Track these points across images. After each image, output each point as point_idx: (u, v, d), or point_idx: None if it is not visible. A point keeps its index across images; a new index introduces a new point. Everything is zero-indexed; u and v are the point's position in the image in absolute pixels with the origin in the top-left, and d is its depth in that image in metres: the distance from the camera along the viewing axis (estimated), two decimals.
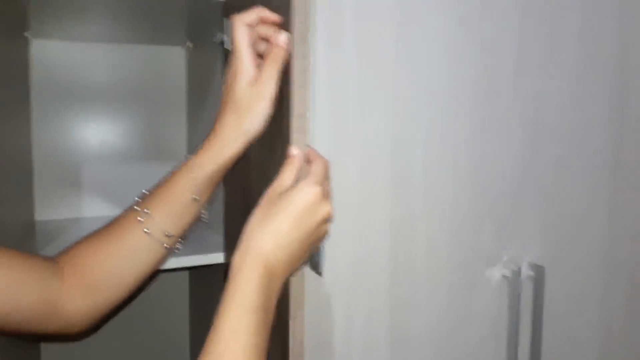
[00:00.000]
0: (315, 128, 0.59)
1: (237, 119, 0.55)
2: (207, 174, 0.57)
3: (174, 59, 1.21)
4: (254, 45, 0.56)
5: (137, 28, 1.02)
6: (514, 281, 0.82)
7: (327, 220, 0.52)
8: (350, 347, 0.69)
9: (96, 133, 1.16)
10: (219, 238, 0.86)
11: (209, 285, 0.99)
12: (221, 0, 0.72)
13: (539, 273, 0.84)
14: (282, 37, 0.53)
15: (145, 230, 0.55)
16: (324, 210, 0.51)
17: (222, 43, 0.71)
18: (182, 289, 1.24)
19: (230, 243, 0.77)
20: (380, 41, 0.69)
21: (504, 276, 0.84)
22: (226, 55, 0.76)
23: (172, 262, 0.75)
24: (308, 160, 0.54)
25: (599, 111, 0.89)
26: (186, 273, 1.24)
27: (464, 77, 0.77)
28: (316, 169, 0.51)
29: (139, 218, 0.56)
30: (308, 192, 0.49)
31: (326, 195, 0.52)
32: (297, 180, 0.51)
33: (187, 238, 0.63)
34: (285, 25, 0.53)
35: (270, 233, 0.48)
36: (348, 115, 0.64)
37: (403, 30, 0.71)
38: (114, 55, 1.15)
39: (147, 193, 0.59)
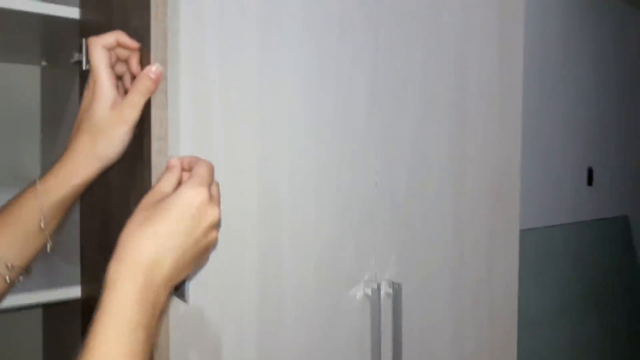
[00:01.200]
0: (178, 151, 0.59)
1: (92, 142, 0.52)
2: (55, 200, 0.52)
3: (27, 78, 1.13)
4: (112, 67, 0.55)
5: None
6: (374, 299, 0.88)
7: (215, 225, 0.48)
8: None
9: None
10: (75, 269, 0.81)
11: (65, 324, 0.92)
12: (76, 18, 0.70)
13: (396, 290, 0.90)
14: (153, 69, 0.51)
15: None
16: (211, 214, 0.46)
17: (79, 63, 0.69)
18: (34, 328, 1.12)
19: (88, 275, 0.72)
20: (243, 69, 0.71)
21: (366, 294, 0.89)
22: (83, 75, 0.73)
23: (23, 298, 0.68)
24: (189, 168, 0.50)
25: (442, 141, 0.99)
26: (39, 310, 1.13)
27: (323, 107, 0.82)
28: (200, 170, 0.47)
29: None
30: (192, 194, 0.45)
31: (213, 198, 0.48)
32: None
33: (31, 270, 0.57)
34: (144, 47, 0.53)
35: (150, 238, 0.43)
36: (213, 139, 0.65)
37: (265, 59, 0.74)
38: None
39: None
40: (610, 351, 2.45)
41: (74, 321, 0.84)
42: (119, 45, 0.54)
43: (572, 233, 2.37)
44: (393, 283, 0.90)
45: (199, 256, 0.48)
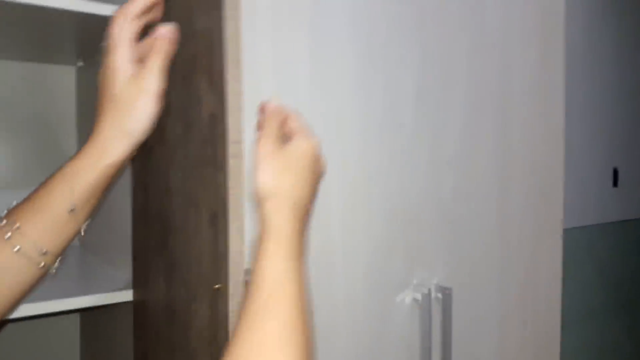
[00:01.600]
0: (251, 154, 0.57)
1: (118, 118, 0.48)
2: (87, 183, 0.49)
3: (63, 79, 1.12)
4: (135, 39, 0.50)
5: (25, 45, 0.93)
6: (424, 303, 0.86)
7: (323, 174, 0.52)
8: None
9: None
10: (121, 274, 0.80)
11: (110, 328, 0.91)
12: (112, 15, 0.68)
13: (445, 294, 0.88)
14: (164, 29, 0.48)
15: (14, 248, 0.47)
16: (324, 164, 0.51)
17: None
18: (71, 333, 1.12)
19: (141, 279, 0.71)
20: (294, 70, 0.70)
21: (415, 299, 0.87)
22: None
23: (76, 302, 0.67)
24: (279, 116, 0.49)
25: (486, 140, 0.97)
26: (75, 316, 1.12)
27: (371, 107, 0.80)
28: (303, 122, 0.50)
29: (6, 235, 0.47)
30: (313, 146, 0.49)
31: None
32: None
33: (65, 257, 0.54)
34: (218, 50, 0.51)
35: (293, 184, 0.46)
36: None
37: (315, 61, 0.72)
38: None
39: (16, 205, 0.50)
40: (636, 354, 2.42)
41: (120, 324, 0.83)
42: (148, 8, 0.51)
43: (597, 235, 2.34)
44: (443, 287, 0.89)
45: (314, 201, 0.51)
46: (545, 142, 1.08)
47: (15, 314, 0.67)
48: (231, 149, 0.48)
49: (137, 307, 0.72)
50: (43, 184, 0.51)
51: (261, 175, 0.46)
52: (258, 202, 0.46)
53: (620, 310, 2.38)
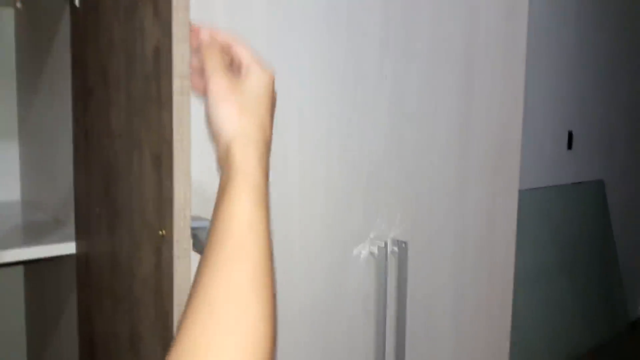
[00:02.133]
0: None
1: None
2: None
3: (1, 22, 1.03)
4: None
5: None
6: (380, 257, 0.86)
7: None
8: None
9: None
10: (65, 227, 0.75)
11: (53, 280, 0.87)
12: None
13: (401, 248, 0.88)
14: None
15: None
16: (276, 95, 0.50)
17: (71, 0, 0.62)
18: (15, 286, 1.07)
19: (84, 231, 0.67)
20: (251, 16, 0.66)
21: (371, 253, 0.86)
22: (74, 14, 0.65)
23: (17, 254, 0.63)
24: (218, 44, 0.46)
25: (448, 100, 0.96)
26: (19, 268, 1.07)
27: (333, 57, 0.77)
28: (249, 51, 0.47)
29: None
30: (271, 76, 0.48)
31: None
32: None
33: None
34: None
35: (257, 121, 0.45)
36: None
37: (273, 6, 0.68)
38: None
39: None
40: (581, 312, 2.54)
41: (64, 277, 0.79)
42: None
43: (551, 196, 2.41)
44: (399, 241, 0.88)
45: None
46: (506, 102, 1.07)
47: None
48: (176, 84, 0.45)
49: (80, 259, 0.68)
50: None
51: (223, 116, 0.43)
52: (220, 145, 0.44)
53: (568, 270, 2.48)
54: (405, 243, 0.88)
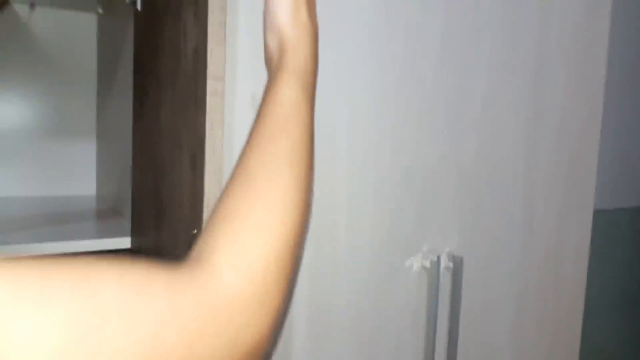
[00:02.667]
0: (235, 93, 0.54)
1: None
2: None
3: (84, 27, 1.11)
4: None
5: None
6: (432, 272, 0.82)
7: None
8: None
9: None
10: (126, 222, 0.79)
11: None
12: None
13: (457, 264, 0.84)
14: None
15: None
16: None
17: (133, 3, 0.65)
18: None
19: (137, 227, 0.70)
20: None
21: (424, 266, 0.83)
22: (137, 18, 0.69)
23: (75, 246, 0.67)
24: None
25: (516, 104, 0.91)
26: None
27: (389, 59, 0.75)
28: None
29: None
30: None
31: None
32: None
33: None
34: None
35: (311, 15, 0.50)
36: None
37: (327, 9, 0.68)
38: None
39: None
40: None
41: None
42: None
43: (633, 218, 2.21)
44: (454, 256, 0.84)
45: None
46: (581, 110, 0.99)
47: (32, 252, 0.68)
48: (210, 85, 0.45)
49: (134, 253, 0.71)
50: None
51: (282, 5, 0.47)
52: (273, 35, 0.47)
53: None
54: (461, 259, 0.84)
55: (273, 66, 0.46)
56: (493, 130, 0.88)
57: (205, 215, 0.45)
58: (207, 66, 0.45)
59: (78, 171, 1.12)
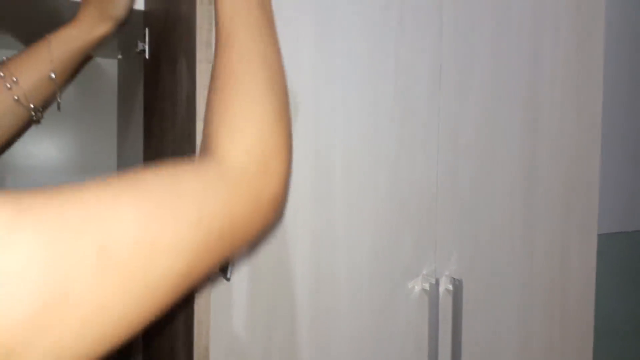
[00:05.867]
0: None
1: (101, 7, 0.59)
2: (69, 52, 0.59)
3: (106, 71, 1.20)
4: None
5: None
6: (432, 294, 0.84)
7: None
8: (271, 359, 0.69)
9: (23, 145, 1.12)
10: None
11: None
12: (141, 9, 0.73)
13: (456, 286, 0.86)
14: None
15: (14, 97, 0.56)
16: None
17: (143, 51, 0.72)
18: None
19: None
20: (299, 54, 0.70)
21: (424, 289, 0.85)
22: (145, 64, 0.76)
23: None
24: None
25: (512, 128, 0.94)
26: None
27: (381, 93, 0.80)
28: None
29: (7, 85, 0.56)
30: None
31: None
32: None
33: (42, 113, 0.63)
34: (191, 31, 0.54)
35: None
36: None
37: (321, 45, 0.73)
38: None
39: (10, 59, 0.59)
40: None
41: None
42: None
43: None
44: (453, 279, 0.86)
45: None
46: (579, 135, 1.01)
47: None
48: (200, 127, 0.50)
49: None
50: (38, 44, 0.59)
51: None
52: None
53: None
54: (460, 280, 0.86)
55: None
56: (489, 157, 0.91)
57: None
58: (197, 110, 0.50)
59: None
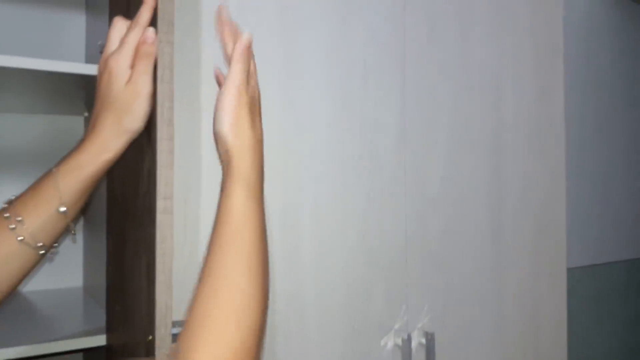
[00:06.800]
0: (185, 208, 0.59)
1: (117, 119, 0.54)
2: (87, 176, 0.54)
3: (74, 128, 1.19)
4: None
5: (40, 100, 1.02)
6: (405, 350, 0.84)
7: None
8: None
9: None
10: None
11: None
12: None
13: (429, 340, 0.86)
14: (150, 33, 0.54)
15: (18, 238, 0.52)
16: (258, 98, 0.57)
17: None
18: None
19: (110, 324, 0.73)
20: (264, 112, 0.71)
21: (396, 344, 0.85)
22: None
23: (52, 347, 0.70)
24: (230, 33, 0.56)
25: (478, 176, 0.95)
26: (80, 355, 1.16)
27: (347, 150, 0.81)
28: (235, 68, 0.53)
29: (10, 225, 0.53)
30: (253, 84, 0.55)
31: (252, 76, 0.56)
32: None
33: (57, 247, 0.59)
34: (152, 109, 0.54)
35: (253, 129, 0.53)
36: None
37: (286, 101, 0.74)
38: (15, 125, 1.13)
39: (18, 196, 0.55)
40: None
41: None
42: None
43: (637, 269, 2.21)
44: (426, 333, 0.86)
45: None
46: (544, 178, 1.04)
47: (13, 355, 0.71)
48: (160, 204, 0.50)
49: (108, 351, 0.74)
50: (44, 178, 0.55)
51: (227, 124, 0.51)
52: (221, 147, 0.51)
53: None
54: (432, 334, 0.86)
55: (223, 175, 0.51)
56: (456, 207, 0.92)
57: (157, 322, 0.49)
58: (157, 187, 0.50)
59: (66, 263, 1.16)
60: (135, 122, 0.54)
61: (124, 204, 0.65)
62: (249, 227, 0.48)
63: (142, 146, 0.56)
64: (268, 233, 0.72)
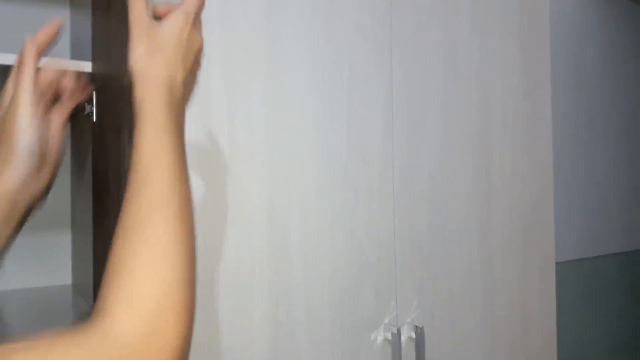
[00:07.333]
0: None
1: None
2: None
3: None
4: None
5: None
6: (395, 344, 0.84)
7: (201, 50, 0.52)
8: None
9: None
10: None
11: None
12: (88, 72, 0.72)
13: (418, 334, 0.86)
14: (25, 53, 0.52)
15: None
16: (198, 40, 0.50)
17: (90, 114, 0.71)
18: None
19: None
20: (251, 112, 0.71)
21: (386, 339, 0.85)
22: (93, 126, 0.75)
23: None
24: None
25: (465, 173, 0.95)
26: None
27: (335, 147, 0.80)
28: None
29: None
30: (182, 19, 0.48)
31: (198, 26, 0.51)
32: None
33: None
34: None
35: (162, 65, 0.47)
36: (227, 182, 0.65)
37: (273, 101, 0.74)
38: None
39: None
40: None
41: None
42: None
43: (627, 263, 2.22)
44: (416, 327, 0.86)
45: (195, 78, 0.52)
46: (531, 172, 1.04)
47: None
48: None
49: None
50: None
51: (132, 55, 0.46)
52: (132, 84, 0.46)
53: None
54: (422, 328, 0.86)
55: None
56: (444, 202, 0.93)
57: None
58: None
59: (55, 261, 1.15)
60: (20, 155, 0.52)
61: (109, 203, 0.65)
62: (159, 166, 0.43)
63: (124, 143, 0.55)
64: (257, 228, 0.72)
